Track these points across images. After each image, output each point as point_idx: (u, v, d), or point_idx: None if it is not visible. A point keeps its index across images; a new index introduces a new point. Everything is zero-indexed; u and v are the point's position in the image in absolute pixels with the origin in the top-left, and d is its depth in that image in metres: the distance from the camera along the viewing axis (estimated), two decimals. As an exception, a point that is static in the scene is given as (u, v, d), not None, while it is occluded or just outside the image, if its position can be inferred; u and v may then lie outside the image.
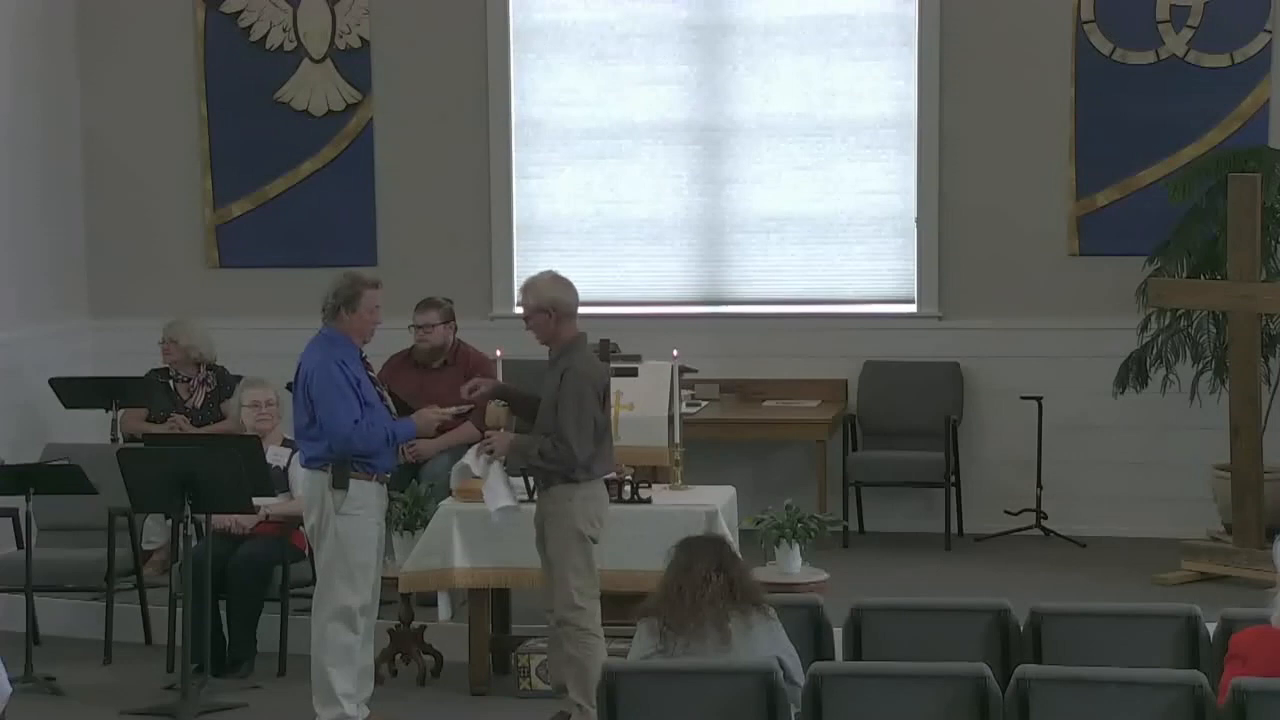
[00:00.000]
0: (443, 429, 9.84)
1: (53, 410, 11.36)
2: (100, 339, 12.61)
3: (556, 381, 8.28)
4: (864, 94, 12.18)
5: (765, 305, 12.38)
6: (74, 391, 11.24)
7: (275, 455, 9.74)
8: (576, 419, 8.19)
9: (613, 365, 9.17)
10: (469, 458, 8.54)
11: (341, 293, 8.53)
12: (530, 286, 8.42)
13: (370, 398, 8.48)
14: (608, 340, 9.53)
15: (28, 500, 9.52)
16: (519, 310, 8.91)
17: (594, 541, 8.34)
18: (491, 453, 8.41)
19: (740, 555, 7.47)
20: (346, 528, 8.44)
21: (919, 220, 12.12)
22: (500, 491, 8.49)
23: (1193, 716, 6.17)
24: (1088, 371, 11.64)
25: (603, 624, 8.41)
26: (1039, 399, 11.60)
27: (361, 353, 8.60)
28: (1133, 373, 11.37)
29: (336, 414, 8.37)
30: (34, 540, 9.94)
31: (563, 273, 8.57)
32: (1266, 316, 10.78)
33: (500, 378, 9.04)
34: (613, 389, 8.72)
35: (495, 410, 8.60)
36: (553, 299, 8.32)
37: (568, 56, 12.44)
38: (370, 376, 8.60)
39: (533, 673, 9.13)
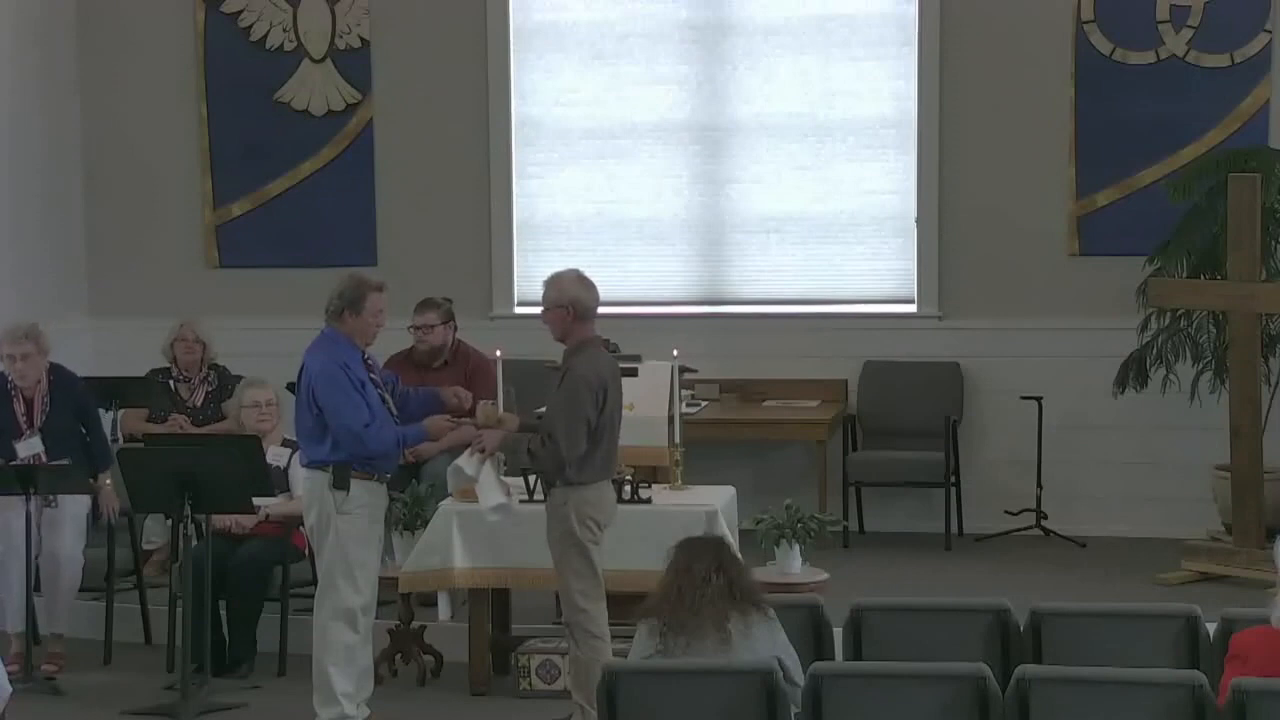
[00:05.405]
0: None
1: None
2: (100, 339, 12.61)
3: (558, 382, 8.27)
4: (864, 94, 12.18)
5: (765, 305, 12.38)
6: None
7: (275, 455, 9.74)
8: (567, 419, 8.15)
9: (613, 365, 9.16)
10: (462, 460, 8.53)
11: (346, 294, 8.50)
12: (554, 281, 8.39)
13: (373, 401, 8.46)
14: (608, 340, 9.52)
15: (28, 500, 9.51)
16: (531, 309, 8.88)
17: (593, 545, 8.30)
18: (483, 451, 8.41)
19: (740, 555, 7.48)
20: (347, 527, 8.44)
21: (919, 220, 12.12)
22: (493, 490, 8.48)
23: (1193, 716, 6.17)
24: (1088, 371, 11.64)
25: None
26: (1039, 399, 11.60)
27: (365, 354, 8.58)
28: (1133, 373, 11.37)
29: (346, 417, 8.35)
30: (34, 540, 9.92)
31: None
32: (1266, 316, 10.78)
33: (500, 378, 9.04)
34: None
35: (486, 409, 8.58)
36: (574, 297, 8.30)
37: (568, 56, 12.44)
38: (373, 378, 8.57)
39: (533, 673, 9.13)
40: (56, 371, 9.87)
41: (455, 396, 8.69)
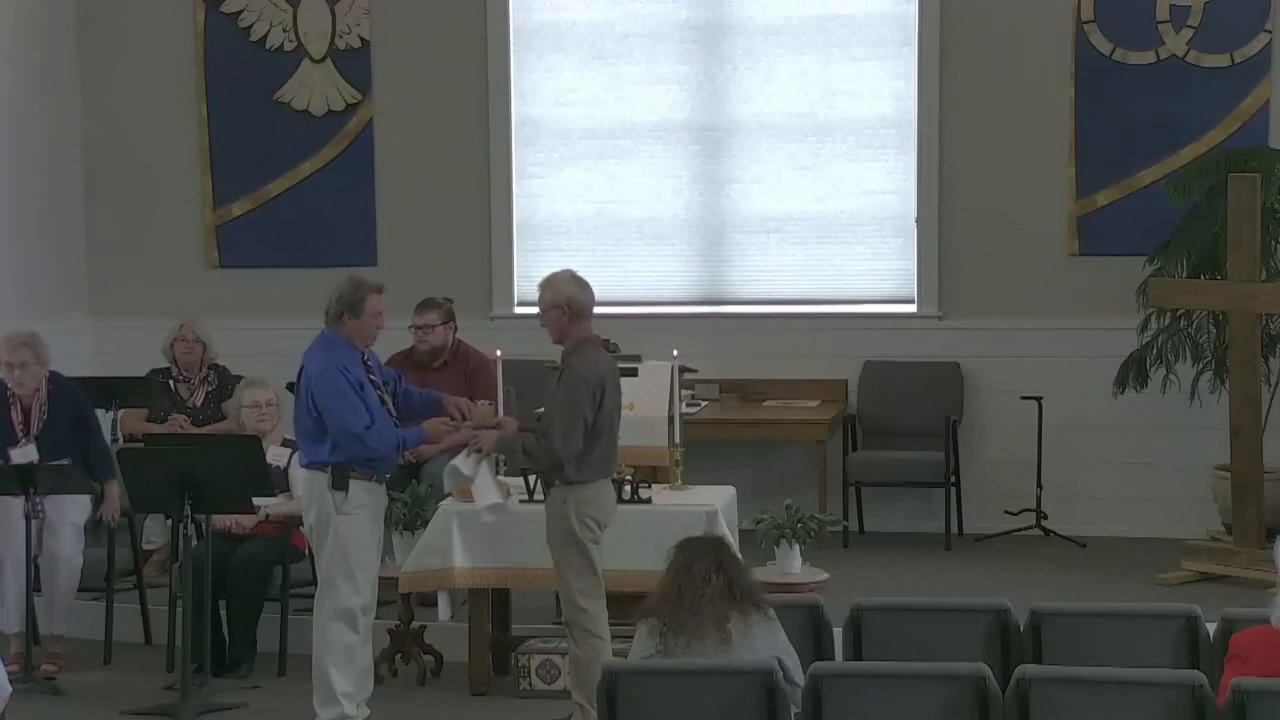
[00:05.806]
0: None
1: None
2: (100, 339, 12.61)
3: (556, 381, 8.28)
4: (864, 94, 12.18)
5: (765, 305, 12.38)
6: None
7: (275, 455, 9.74)
8: (563, 417, 8.15)
9: (613, 365, 9.16)
10: (459, 460, 8.53)
11: (345, 297, 8.48)
12: (549, 283, 8.40)
13: (372, 403, 8.45)
14: (608, 340, 9.53)
15: (27, 500, 9.50)
16: (531, 309, 8.87)
17: (592, 544, 8.30)
18: (480, 450, 8.41)
19: (740, 555, 7.48)
20: (346, 527, 8.43)
21: (919, 220, 12.13)
22: (489, 489, 8.48)
23: (1193, 716, 6.17)
24: (1088, 371, 11.64)
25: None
26: (1039, 399, 11.60)
27: (365, 354, 8.57)
28: (1133, 373, 11.37)
29: (345, 420, 8.34)
30: (34, 540, 9.92)
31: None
32: (1266, 316, 10.78)
33: (500, 378, 9.04)
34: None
35: (483, 410, 8.59)
36: (569, 296, 8.31)
37: (568, 56, 12.45)
38: (372, 379, 8.56)
39: (533, 673, 9.13)
40: (55, 381, 9.86)
41: (457, 409, 8.68)
